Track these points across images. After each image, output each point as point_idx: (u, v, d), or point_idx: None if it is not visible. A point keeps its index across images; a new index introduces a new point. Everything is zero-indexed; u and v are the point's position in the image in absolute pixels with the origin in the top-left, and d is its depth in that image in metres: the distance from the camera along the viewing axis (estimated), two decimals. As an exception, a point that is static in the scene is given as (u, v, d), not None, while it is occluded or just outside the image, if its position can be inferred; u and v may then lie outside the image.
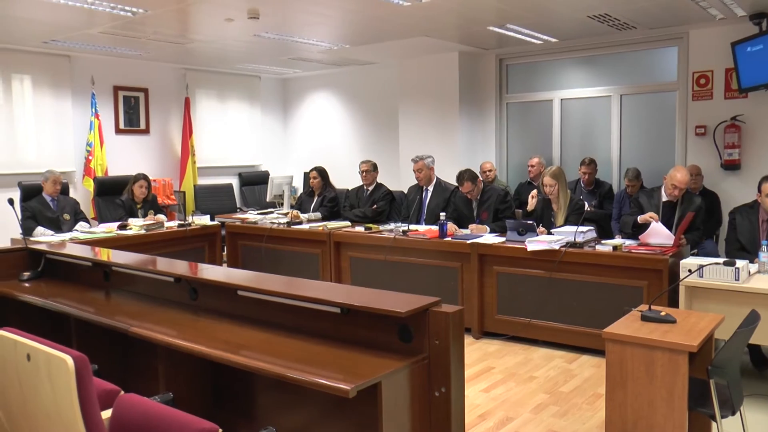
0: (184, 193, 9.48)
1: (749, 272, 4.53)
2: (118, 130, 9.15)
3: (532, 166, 7.86)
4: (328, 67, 10.35)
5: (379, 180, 7.47)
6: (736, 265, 4.32)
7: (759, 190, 4.97)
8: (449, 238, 6.06)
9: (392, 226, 6.65)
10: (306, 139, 11.19)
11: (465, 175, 6.46)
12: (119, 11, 6.19)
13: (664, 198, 5.62)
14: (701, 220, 5.57)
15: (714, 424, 3.20)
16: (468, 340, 5.84)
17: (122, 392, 2.60)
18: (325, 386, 2.52)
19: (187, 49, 8.28)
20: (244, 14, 6.37)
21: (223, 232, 7.55)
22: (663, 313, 3.40)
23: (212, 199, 9.77)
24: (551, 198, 6.10)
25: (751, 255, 4.80)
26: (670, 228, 5.47)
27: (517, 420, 4.16)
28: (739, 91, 6.99)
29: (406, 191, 7.44)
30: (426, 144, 8.68)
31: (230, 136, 10.54)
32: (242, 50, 8.53)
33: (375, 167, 7.40)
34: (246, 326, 3.37)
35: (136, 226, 6.87)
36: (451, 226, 6.27)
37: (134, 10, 6.17)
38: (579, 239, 5.50)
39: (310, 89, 11.09)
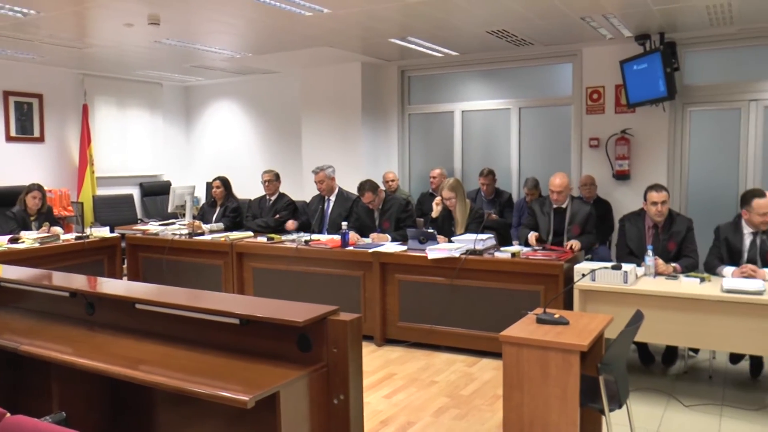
0: (82, 204, 9.19)
1: (636, 275, 4.77)
2: (9, 138, 8.74)
3: (434, 177, 7.98)
4: (232, 76, 10.22)
5: (282, 190, 7.44)
6: (624, 269, 4.54)
7: (645, 199, 5.22)
8: (351, 248, 6.08)
9: (294, 236, 6.62)
10: (209, 149, 11.00)
11: (366, 186, 6.50)
12: (8, 11, 5.91)
13: (555, 205, 5.87)
14: (592, 225, 5.84)
15: (603, 418, 3.35)
16: (370, 347, 5.87)
17: (8, 414, 2.48)
18: (224, 398, 2.49)
19: (85, 53, 8.01)
20: (144, 20, 6.21)
21: (123, 245, 7.31)
22: (557, 316, 3.52)
23: (112, 210, 9.46)
24: (451, 209, 6.23)
25: (639, 259, 5.04)
26: (561, 231, 5.76)
27: (418, 424, 4.21)
28: (627, 106, 7.38)
29: (308, 201, 7.42)
30: (329, 154, 8.69)
31: (131, 145, 10.24)
32: (143, 56, 8.32)
33: (277, 177, 7.35)
34: (145, 340, 3.27)
35: (29, 239, 6.55)
36: (353, 236, 6.30)
37: (25, 11, 5.91)
38: (479, 247, 5.62)
39: (213, 98, 10.92)
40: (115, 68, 9.27)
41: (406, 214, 6.58)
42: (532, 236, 5.72)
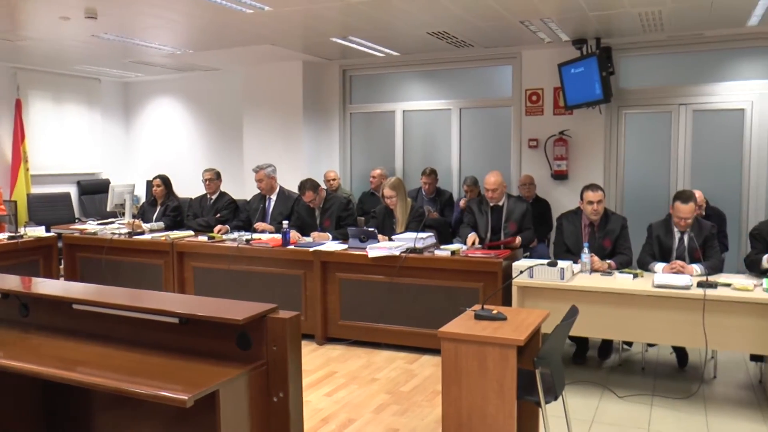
0: (15, 202, 8.91)
1: (573, 272, 4.89)
2: (-61, 135, 8.44)
3: (374, 177, 8.01)
4: (172, 72, 10.07)
5: (223, 188, 7.38)
6: (560, 266, 4.66)
7: (581, 198, 5.36)
8: (292, 246, 6.09)
9: (235, 234, 6.59)
10: (149, 146, 10.80)
11: (307, 185, 6.50)
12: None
13: (491, 203, 5.98)
14: (529, 221, 5.97)
15: (540, 410, 3.43)
16: (311, 346, 5.88)
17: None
18: (163, 397, 2.47)
19: (18, 46, 7.77)
20: (81, 13, 6.06)
21: (60, 244, 7.14)
22: (495, 312, 3.59)
23: (48, 208, 9.20)
24: (392, 207, 6.28)
25: (576, 256, 5.17)
26: (498, 229, 5.88)
27: (359, 421, 4.24)
28: (565, 107, 7.52)
29: (249, 199, 7.38)
30: (270, 152, 8.65)
31: (67, 142, 9.97)
32: (80, 51, 8.11)
33: (218, 175, 7.30)
34: (83, 342, 3.20)
35: (-41, 237, 6.36)
36: (294, 234, 6.30)
37: (-45, 4, 5.72)
38: (419, 245, 5.69)
39: (153, 94, 10.73)
40: (50, 62, 9.03)
41: (346, 213, 6.60)
42: (469, 240, 5.79)
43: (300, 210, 6.74)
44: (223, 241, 6.48)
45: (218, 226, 6.86)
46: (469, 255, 5.46)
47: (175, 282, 6.58)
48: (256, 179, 6.93)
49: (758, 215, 7.02)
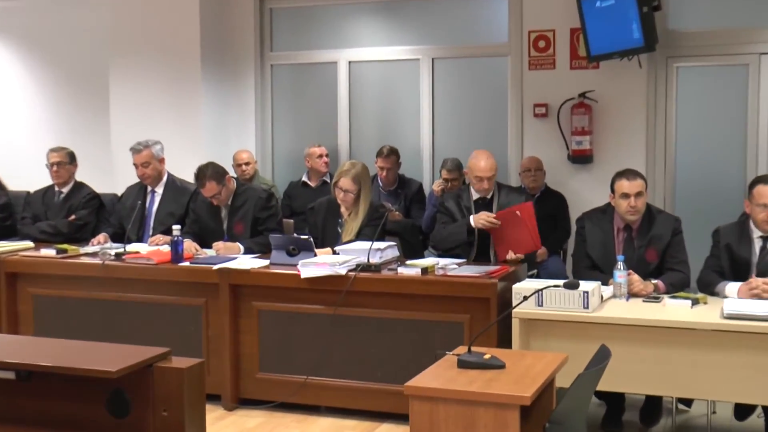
0: None
1: (601, 297, 4.93)
2: None
3: (319, 156, 8.03)
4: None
5: (79, 177, 7.32)
6: (583, 288, 4.69)
7: (612, 190, 5.41)
8: (187, 263, 6.05)
9: (98, 247, 6.53)
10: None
11: (207, 172, 6.45)
12: None
13: (475, 196, 6.05)
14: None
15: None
16: (217, 411, 5.86)
17: None
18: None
19: None
20: None
21: None
22: (487, 356, 3.61)
23: None
24: (345, 206, 6.30)
25: (606, 275, 5.21)
26: (488, 233, 5.92)
27: None
28: (588, 59, 7.51)
29: (121, 194, 7.33)
30: (151, 124, 8.50)
31: None
32: None
33: (72, 158, 7.26)
34: None
35: None
36: (189, 245, 6.28)
37: None
38: (375, 259, 5.68)
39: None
40: None
41: (267, 213, 6.59)
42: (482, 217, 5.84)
43: (198, 209, 6.72)
44: (80, 256, 6.41)
45: (101, 236, 6.80)
46: (449, 274, 5.48)
47: (5, 317, 6.47)
48: (138, 162, 6.87)
49: None
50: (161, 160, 6.95)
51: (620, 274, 5.04)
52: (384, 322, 5.61)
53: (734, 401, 5.11)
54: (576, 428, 3.46)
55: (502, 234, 5.86)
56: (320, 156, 8.05)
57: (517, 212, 5.77)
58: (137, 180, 7.02)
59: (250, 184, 7.20)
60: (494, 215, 5.83)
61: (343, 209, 6.33)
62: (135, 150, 6.93)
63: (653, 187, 7.48)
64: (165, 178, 7.00)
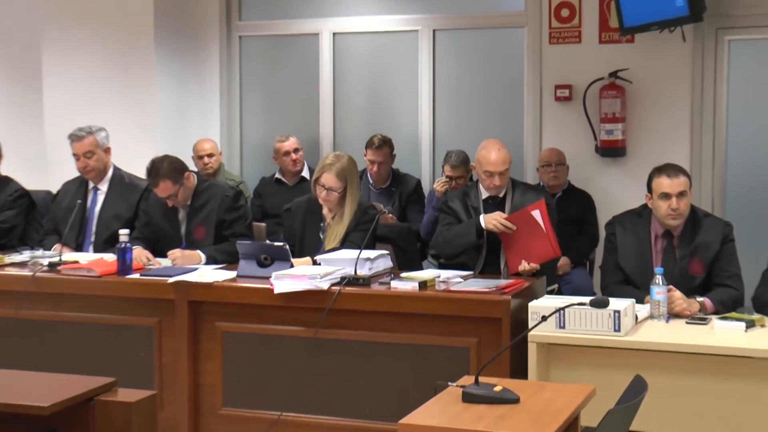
0: None
1: (636, 317, 4.91)
2: None
3: (286, 152, 8.01)
4: None
5: (4, 171, 7.35)
6: (614, 307, 4.66)
7: (649, 189, 5.40)
8: (136, 275, 6.02)
9: (28, 254, 6.50)
10: None
11: (161, 167, 6.40)
12: None
13: (484, 194, 6.03)
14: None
15: None
16: (173, 454, 5.81)
17: None
18: None
19: None
20: None
21: None
22: (498, 388, 3.59)
23: None
24: (327, 207, 6.28)
25: (640, 290, 5.21)
26: (496, 243, 5.90)
27: None
28: (621, 31, 7.53)
29: (56, 191, 7.32)
30: (94, 108, 8.45)
31: None
32: None
33: (-4, 148, 7.27)
34: None
35: None
36: (139, 254, 6.27)
37: None
38: (364, 271, 5.65)
39: None
40: None
41: (234, 215, 6.59)
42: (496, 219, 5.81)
43: (150, 210, 6.71)
44: (5, 266, 6.37)
45: (57, 246, 6.73)
46: (452, 288, 5.44)
47: None
48: (78, 152, 6.85)
49: None
50: (107, 150, 6.94)
51: (658, 290, 5.01)
52: (374, 347, 5.56)
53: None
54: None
55: (514, 240, 5.83)
56: (287, 153, 8.03)
57: (532, 212, 5.73)
58: (77, 174, 7.01)
59: (213, 179, 7.16)
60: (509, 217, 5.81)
61: (325, 211, 6.31)
62: (76, 137, 6.90)
63: (699, 186, 7.54)
64: (110, 172, 6.99)
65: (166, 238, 6.59)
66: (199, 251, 6.38)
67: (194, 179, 6.67)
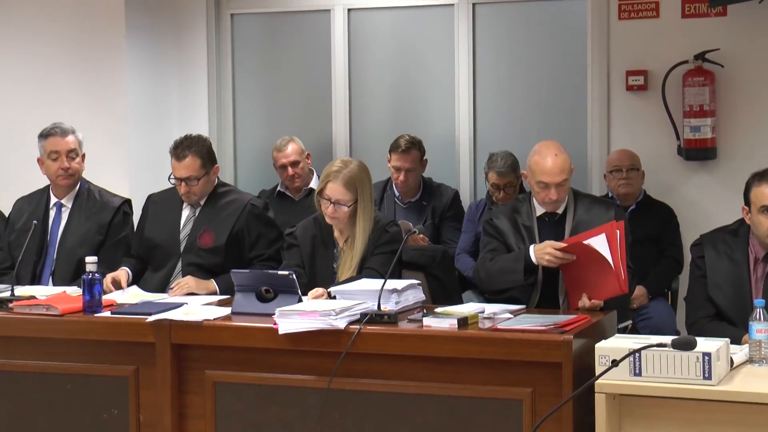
0: None
1: (731, 362, 4.84)
2: None
3: (282, 166, 8.03)
4: None
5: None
6: (703, 349, 4.60)
7: (747, 202, 5.36)
8: (107, 313, 6.01)
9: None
10: None
11: (198, 142, 6.57)
12: None
13: (539, 210, 6.02)
14: (628, 254, 5.91)
15: None
16: None
17: None
18: None
19: None
20: None
21: None
22: (560, 452, 3.56)
23: None
24: (336, 226, 6.29)
25: (738, 329, 5.18)
26: (555, 272, 5.88)
27: None
28: (709, 2, 7.52)
29: (12, 207, 7.35)
30: (57, 105, 8.58)
31: None
32: None
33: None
34: None
35: None
36: (111, 282, 6.35)
37: None
38: (389, 306, 5.63)
39: None
40: None
41: (261, 230, 6.70)
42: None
43: (158, 203, 6.85)
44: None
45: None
46: (500, 326, 5.42)
47: None
48: (61, 149, 6.89)
49: None
50: (83, 157, 6.98)
51: (759, 328, 4.94)
52: (402, 400, 5.52)
53: None
54: None
55: (574, 269, 5.79)
56: (283, 167, 8.05)
57: (592, 241, 5.65)
58: (32, 189, 7.10)
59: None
60: (565, 244, 5.76)
61: (336, 233, 6.32)
62: (58, 131, 6.94)
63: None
64: (78, 185, 7.02)
65: (158, 248, 6.68)
66: (189, 279, 6.42)
67: (217, 178, 6.75)
